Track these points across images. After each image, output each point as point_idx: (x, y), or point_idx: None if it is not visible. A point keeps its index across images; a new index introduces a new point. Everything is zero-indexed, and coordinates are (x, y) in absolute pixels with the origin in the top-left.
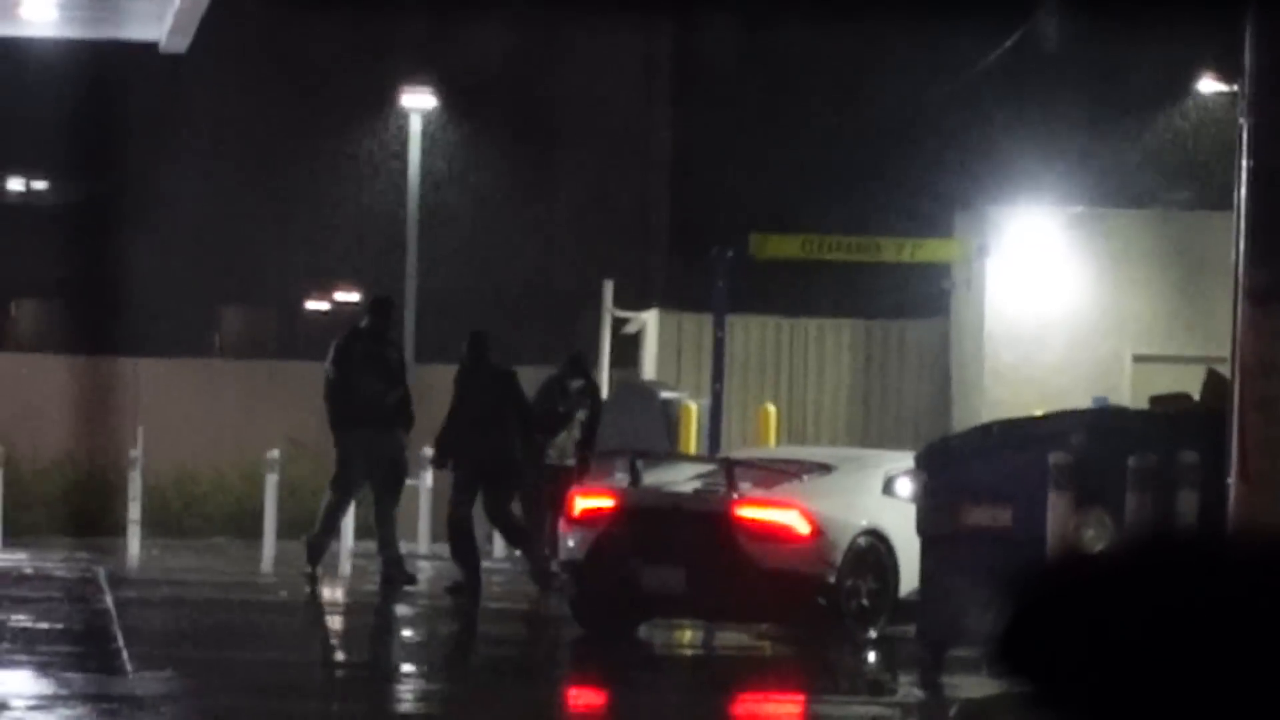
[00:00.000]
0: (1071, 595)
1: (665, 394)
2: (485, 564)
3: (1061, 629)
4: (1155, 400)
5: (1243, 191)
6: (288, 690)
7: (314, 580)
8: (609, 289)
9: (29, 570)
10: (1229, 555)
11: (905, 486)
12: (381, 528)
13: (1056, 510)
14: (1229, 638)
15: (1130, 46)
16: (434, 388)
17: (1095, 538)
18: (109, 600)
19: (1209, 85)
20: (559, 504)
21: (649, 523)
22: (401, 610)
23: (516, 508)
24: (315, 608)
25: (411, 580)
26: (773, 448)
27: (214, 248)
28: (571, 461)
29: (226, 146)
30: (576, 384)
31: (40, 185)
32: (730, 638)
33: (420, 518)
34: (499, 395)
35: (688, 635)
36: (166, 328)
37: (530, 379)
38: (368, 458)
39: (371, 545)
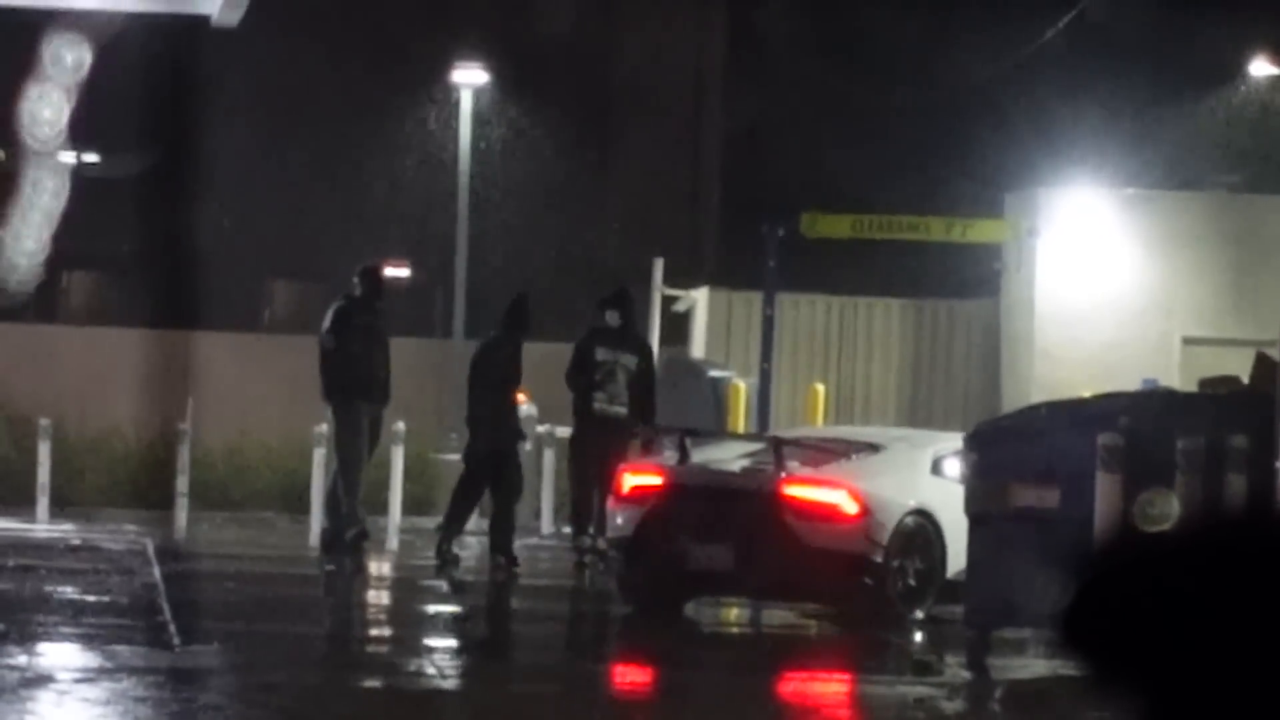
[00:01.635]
0: (1135, 574)
1: (714, 372)
2: (531, 540)
3: (1125, 608)
4: (1204, 383)
5: None
6: (334, 664)
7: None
8: (659, 267)
9: (77, 542)
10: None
11: (953, 467)
12: (348, 494)
13: (1105, 492)
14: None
15: (1183, 28)
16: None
17: (1156, 517)
18: (156, 573)
19: (1262, 68)
20: (609, 461)
21: (697, 501)
22: (446, 585)
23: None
24: (361, 582)
25: (364, 536)
26: (821, 427)
27: (265, 222)
28: (620, 409)
29: (278, 122)
30: (613, 316)
31: (91, 158)
32: (777, 616)
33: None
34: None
35: (734, 614)
36: (217, 302)
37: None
38: (371, 429)
39: (419, 520)
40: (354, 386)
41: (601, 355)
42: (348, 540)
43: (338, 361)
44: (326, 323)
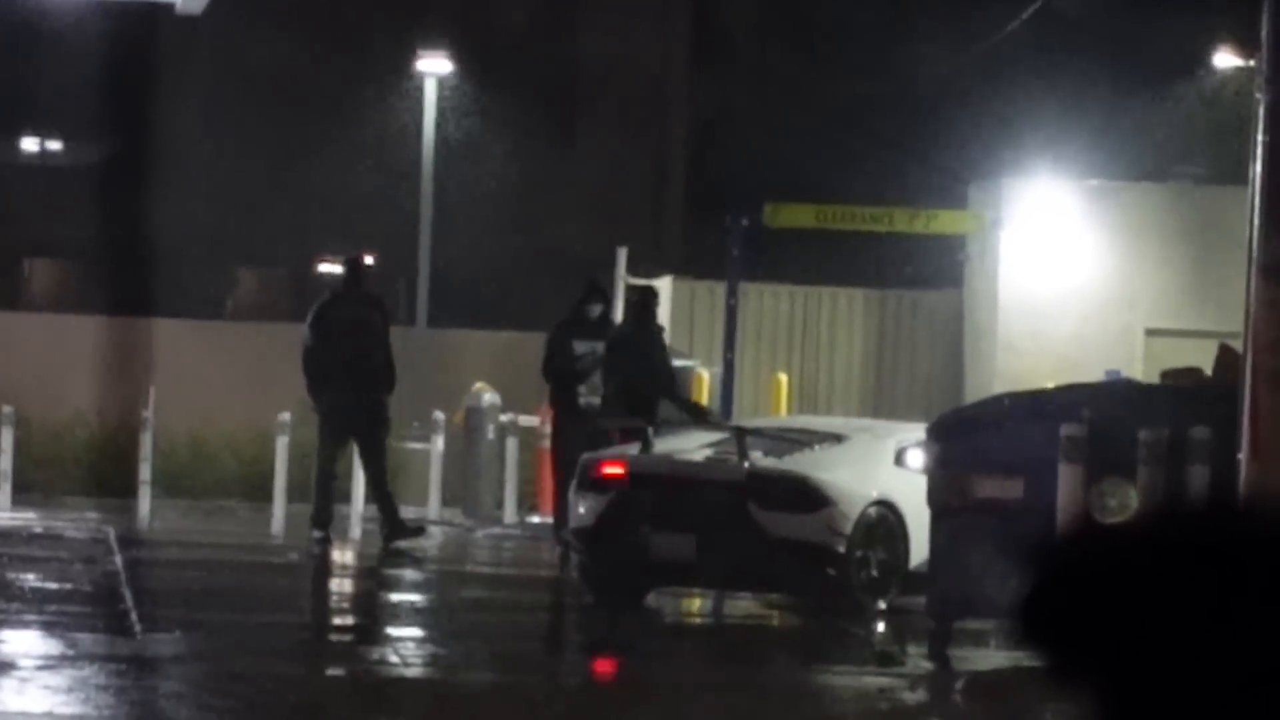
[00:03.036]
0: (1092, 566)
1: (677, 362)
2: (496, 529)
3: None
4: (1167, 374)
5: (1258, 167)
6: (296, 653)
7: (325, 544)
8: (623, 256)
9: (39, 529)
10: (1248, 528)
11: (916, 457)
12: (377, 489)
13: (1067, 483)
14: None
15: (1148, 19)
16: (448, 351)
17: (1114, 509)
18: (118, 561)
19: (1226, 59)
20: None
21: (660, 491)
22: (410, 574)
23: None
24: (324, 571)
25: (418, 532)
26: (784, 417)
27: (228, 210)
28: (595, 400)
29: (241, 109)
30: (596, 309)
31: (55, 145)
32: (739, 607)
33: (432, 483)
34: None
35: (697, 604)
36: (179, 289)
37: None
38: (348, 419)
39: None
40: (330, 378)
41: (580, 348)
42: (312, 541)
43: (314, 356)
44: (307, 319)
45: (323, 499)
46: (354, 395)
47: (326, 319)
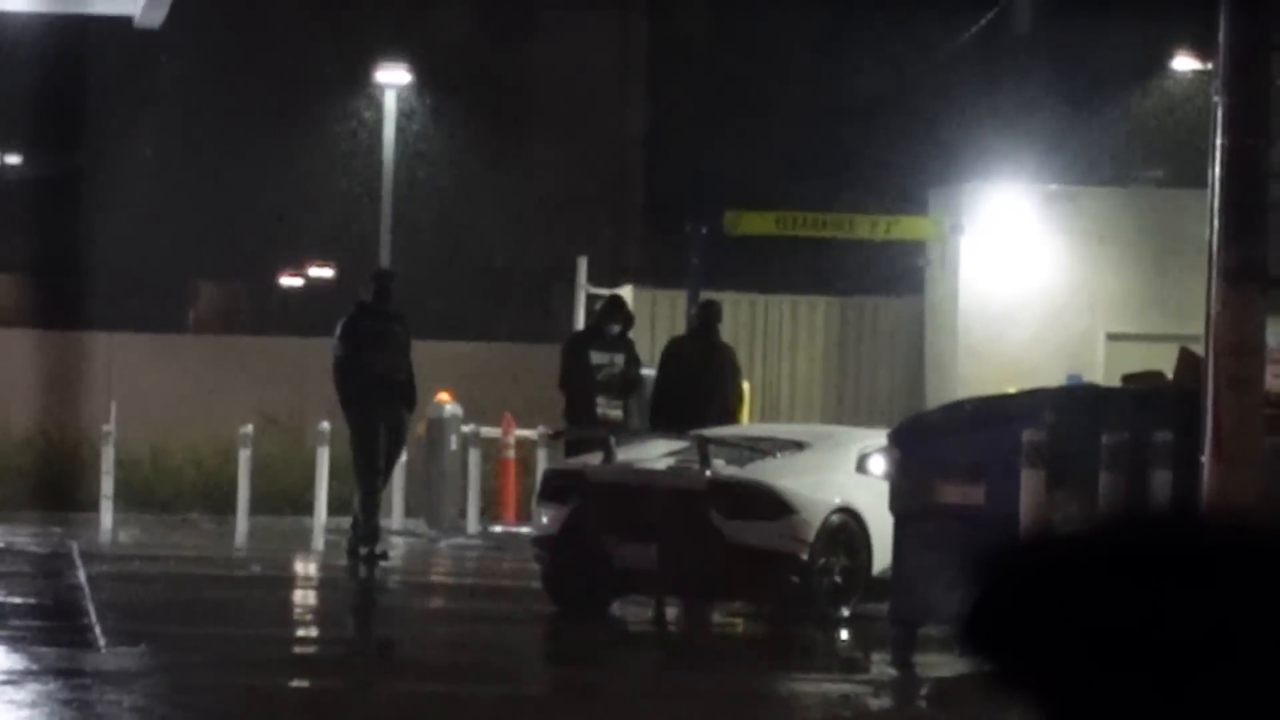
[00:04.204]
0: (1040, 574)
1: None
2: (458, 540)
3: (1029, 609)
4: (1128, 378)
5: (1217, 170)
6: (260, 666)
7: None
8: (583, 265)
9: (1, 544)
10: (1202, 536)
11: (878, 464)
12: (363, 509)
13: (1029, 488)
14: (1200, 619)
15: (1105, 24)
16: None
17: (1067, 517)
18: (81, 575)
19: (1183, 63)
20: None
21: (621, 499)
22: (373, 585)
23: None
24: (289, 583)
25: (384, 556)
26: (746, 425)
27: (188, 223)
28: (618, 412)
29: (200, 122)
30: (616, 328)
31: (13, 160)
32: (702, 615)
33: (395, 494)
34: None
35: (660, 612)
36: (140, 303)
37: (507, 354)
38: (384, 433)
39: (344, 520)
40: (365, 393)
41: (598, 359)
42: (362, 557)
43: (348, 369)
44: (336, 331)
45: (371, 516)
46: (386, 412)
47: (357, 331)
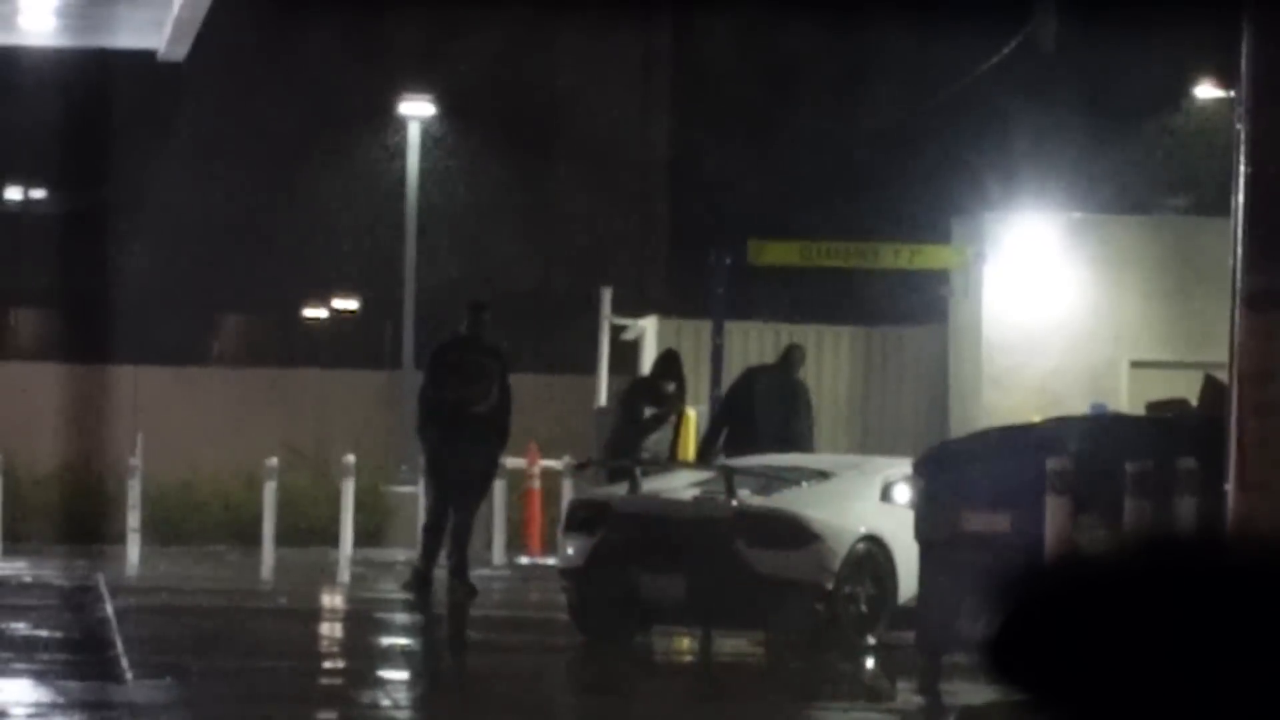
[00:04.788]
0: (1065, 601)
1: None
2: (485, 571)
3: (1054, 635)
4: (1152, 406)
5: (1240, 197)
6: (286, 699)
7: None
8: (607, 296)
9: (28, 578)
10: (1225, 561)
11: (903, 493)
12: (456, 537)
13: (1054, 516)
14: (1224, 644)
15: (1128, 52)
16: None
17: (1092, 544)
18: (108, 608)
19: (1206, 90)
20: None
21: (648, 530)
22: (399, 617)
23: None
24: (317, 615)
25: (473, 592)
26: (771, 455)
27: (213, 255)
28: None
29: (225, 154)
30: (671, 385)
31: (39, 194)
32: (729, 645)
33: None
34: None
35: (687, 642)
36: (165, 336)
37: (532, 384)
38: (455, 465)
39: (371, 552)
40: (431, 421)
41: (648, 411)
42: (408, 582)
43: (422, 398)
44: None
45: (424, 554)
46: (455, 443)
47: (437, 361)
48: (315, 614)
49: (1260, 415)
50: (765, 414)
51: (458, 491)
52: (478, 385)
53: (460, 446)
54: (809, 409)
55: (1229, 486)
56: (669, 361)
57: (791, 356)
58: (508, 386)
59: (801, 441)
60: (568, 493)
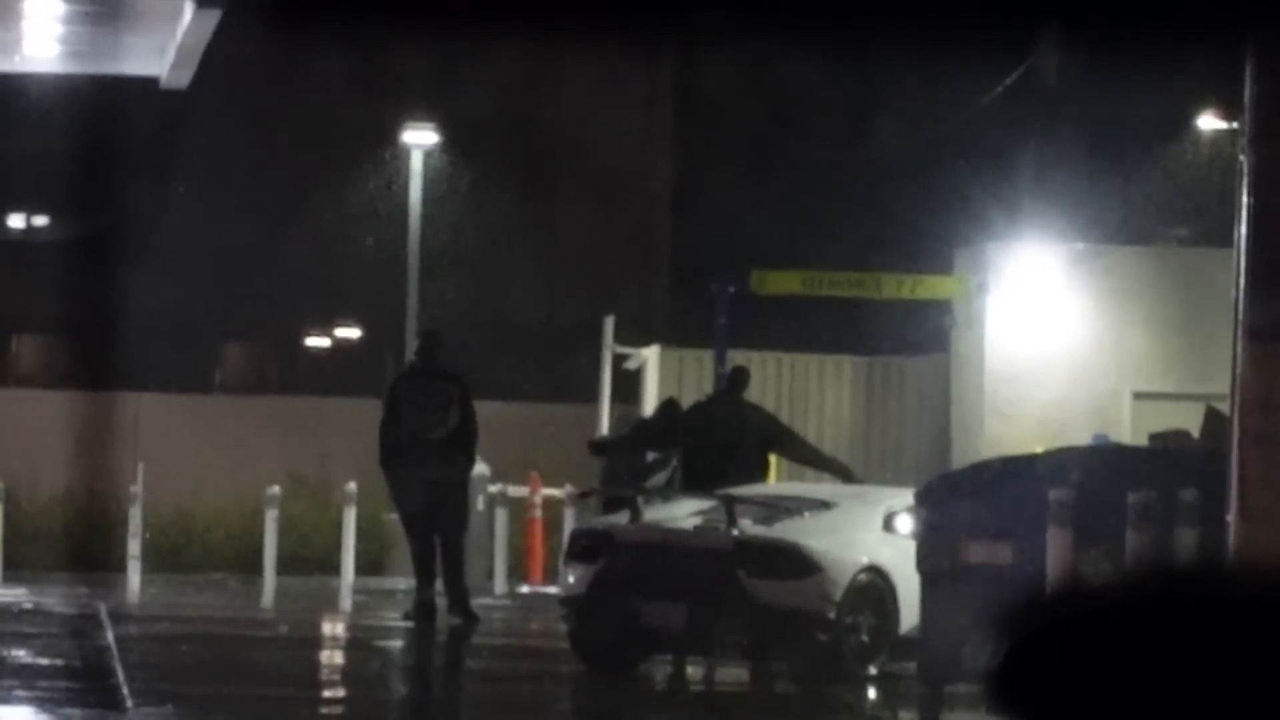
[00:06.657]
0: (1067, 632)
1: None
2: (486, 600)
3: (1057, 666)
4: (1155, 437)
5: (1243, 229)
6: None
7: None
8: (609, 325)
9: (29, 605)
10: (1228, 592)
11: (905, 523)
12: (446, 566)
13: (1056, 547)
14: (1227, 675)
15: (1131, 83)
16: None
17: (1094, 575)
18: (109, 636)
19: (1209, 122)
20: None
21: (649, 559)
22: (400, 645)
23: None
24: (318, 643)
25: (475, 620)
26: (773, 484)
27: (215, 284)
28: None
29: (228, 182)
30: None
31: (41, 221)
32: (731, 674)
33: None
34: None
35: (688, 671)
36: (167, 364)
37: (534, 413)
38: (420, 493)
39: (372, 580)
40: (391, 453)
41: (650, 457)
42: (409, 611)
43: (382, 430)
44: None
45: (420, 581)
46: (416, 471)
47: (393, 394)
48: (317, 642)
49: (1262, 446)
50: (726, 443)
51: (436, 520)
52: (432, 413)
53: (420, 475)
54: (783, 424)
55: (1231, 517)
56: (670, 407)
57: (736, 378)
58: (470, 409)
59: (809, 452)
60: (569, 521)
